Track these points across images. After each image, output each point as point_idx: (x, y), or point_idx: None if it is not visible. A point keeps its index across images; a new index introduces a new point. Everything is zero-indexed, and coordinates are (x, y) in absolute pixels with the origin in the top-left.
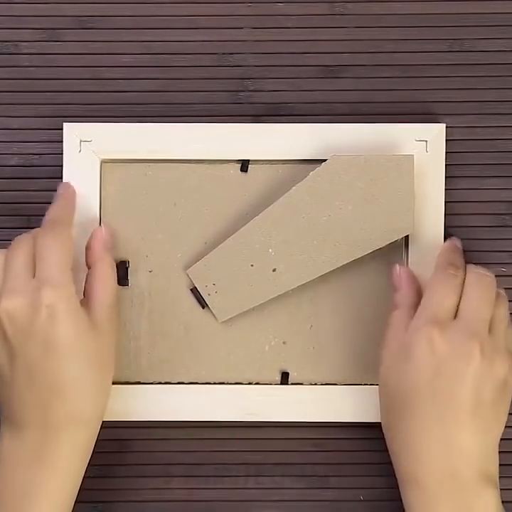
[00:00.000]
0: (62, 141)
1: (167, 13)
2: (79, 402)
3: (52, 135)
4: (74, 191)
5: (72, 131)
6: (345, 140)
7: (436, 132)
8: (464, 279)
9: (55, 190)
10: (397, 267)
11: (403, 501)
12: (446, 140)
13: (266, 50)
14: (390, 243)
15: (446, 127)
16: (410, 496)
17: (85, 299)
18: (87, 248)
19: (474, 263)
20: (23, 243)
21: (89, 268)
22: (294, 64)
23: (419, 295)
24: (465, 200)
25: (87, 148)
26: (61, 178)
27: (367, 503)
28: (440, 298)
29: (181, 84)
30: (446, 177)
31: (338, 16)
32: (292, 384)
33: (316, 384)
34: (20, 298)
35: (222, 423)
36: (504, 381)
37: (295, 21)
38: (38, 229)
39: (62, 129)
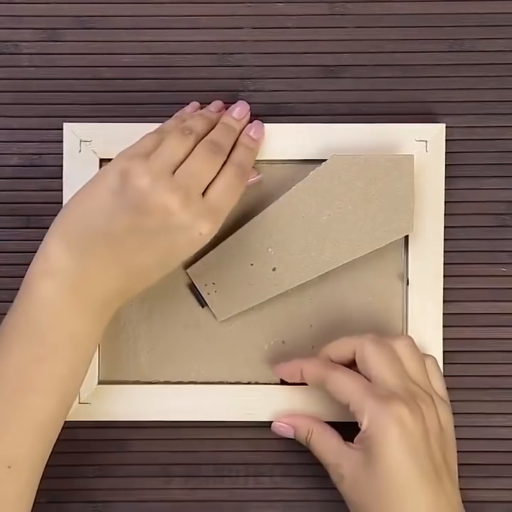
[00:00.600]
0: (62, 141)
1: (167, 13)
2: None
3: (52, 135)
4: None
5: (72, 131)
6: (345, 140)
7: (436, 132)
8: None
9: (55, 190)
10: (275, 423)
11: None
12: (446, 140)
13: (266, 50)
14: (389, 243)
15: (446, 127)
16: None
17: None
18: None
19: (474, 263)
20: (210, 167)
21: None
22: (294, 64)
23: (311, 418)
24: (465, 200)
25: (87, 148)
26: (61, 178)
27: None
28: (361, 382)
29: (181, 84)
30: (446, 177)
31: (338, 16)
32: (292, 384)
33: None
34: (187, 213)
35: (222, 423)
36: (451, 422)
37: (295, 21)
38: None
39: (62, 129)
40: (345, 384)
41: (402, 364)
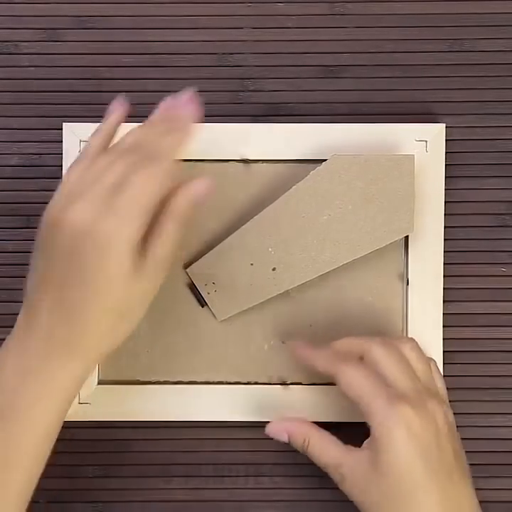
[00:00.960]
0: (62, 141)
1: (167, 13)
2: (85, 336)
3: (52, 135)
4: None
5: (72, 131)
6: (345, 140)
7: (436, 132)
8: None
9: (55, 190)
10: (270, 426)
11: None
12: (446, 140)
13: (266, 50)
14: (390, 243)
15: (446, 127)
16: None
17: (148, 244)
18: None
19: (474, 263)
20: (121, 163)
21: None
22: (294, 64)
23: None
24: (465, 200)
25: None
26: (61, 178)
27: None
28: (371, 382)
29: (181, 84)
30: (446, 177)
31: (338, 16)
32: (292, 384)
33: (315, 384)
34: (87, 212)
35: (222, 423)
36: (454, 423)
37: (295, 21)
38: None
39: (62, 129)
40: (356, 381)
41: (411, 366)
